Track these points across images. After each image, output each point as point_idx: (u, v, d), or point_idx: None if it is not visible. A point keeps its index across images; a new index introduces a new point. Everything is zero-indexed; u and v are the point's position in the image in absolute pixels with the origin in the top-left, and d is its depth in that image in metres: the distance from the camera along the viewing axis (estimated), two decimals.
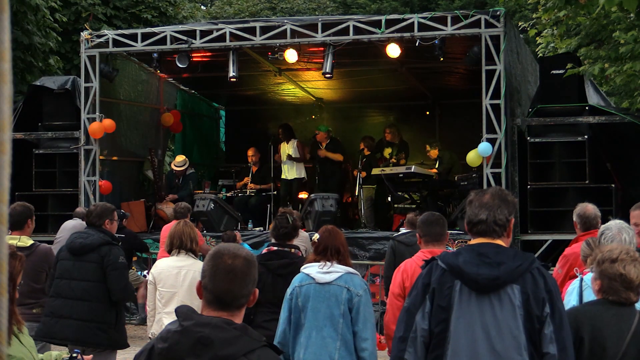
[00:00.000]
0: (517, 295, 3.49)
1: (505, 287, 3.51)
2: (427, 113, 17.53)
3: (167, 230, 9.16)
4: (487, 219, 3.60)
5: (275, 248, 6.28)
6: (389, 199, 14.94)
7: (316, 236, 5.52)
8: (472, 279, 3.52)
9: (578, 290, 4.76)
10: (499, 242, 3.63)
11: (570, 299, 4.76)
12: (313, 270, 5.20)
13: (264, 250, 6.33)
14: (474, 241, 3.67)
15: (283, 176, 15.19)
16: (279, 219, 6.41)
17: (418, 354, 3.58)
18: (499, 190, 3.74)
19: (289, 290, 5.24)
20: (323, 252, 5.26)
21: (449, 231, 6.02)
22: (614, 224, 4.98)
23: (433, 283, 3.60)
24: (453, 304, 3.54)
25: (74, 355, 4.24)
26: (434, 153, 14.75)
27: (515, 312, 3.49)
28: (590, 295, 4.69)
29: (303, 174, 15.19)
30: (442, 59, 12.68)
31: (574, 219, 6.38)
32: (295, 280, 5.26)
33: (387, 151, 15.22)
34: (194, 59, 13.85)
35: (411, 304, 3.65)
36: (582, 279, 4.81)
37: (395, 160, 14.87)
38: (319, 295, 5.12)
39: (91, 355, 4.63)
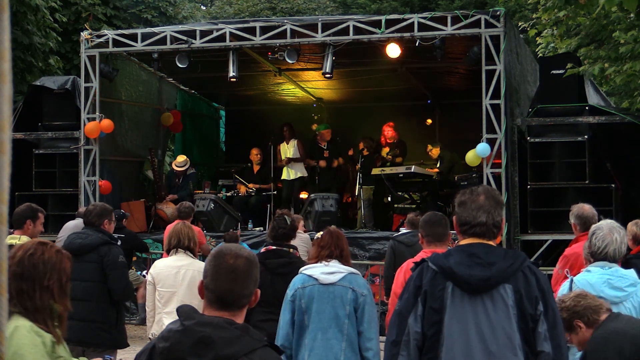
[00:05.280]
0: (509, 294, 3.48)
1: (497, 287, 3.49)
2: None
3: (169, 230, 9.15)
4: (487, 221, 3.59)
5: (273, 247, 6.27)
6: (388, 199, 14.96)
7: (320, 233, 5.52)
8: (464, 280, 3.50)
9: (568, 292, 4.76)
10: (491, 242, 3.62)
11: None
12: (317, 271, 5.18)
13: (262, 250, 6.32)
14: (464, 241, 3.65)
15: (284, 177, 15.17)
16: (277, 220, 6.40)
17: (411, 357, 3.56)
18: (491, 191, 3.73)
19: (289, 292, 5.20)
20: (327, 246, 5.27)
21: (451, 231, 6.00)
22: (605, 223, 4.97)
23: (425, 285, 3.58)
24: (446, 306, 3.52)
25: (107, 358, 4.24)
26: (435, 152, 14.80)
27: (508, 311, 3.47)
28: None
29: (304, 173, 15.21)
30: (440, 57, 12.68)
31: (572, 220, 6.37)
32: (297, 282, 5.22)
33: (385, 151, 15.24)
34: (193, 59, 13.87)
35: (403, 307, 3.62)
36: (572, 280, 4.81)
37: (391, 158, 14.90)
38: (323, 297, 5.11)
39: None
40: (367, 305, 5.11)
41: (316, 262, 5.31)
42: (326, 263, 5.22)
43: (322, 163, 15.11)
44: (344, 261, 5.30)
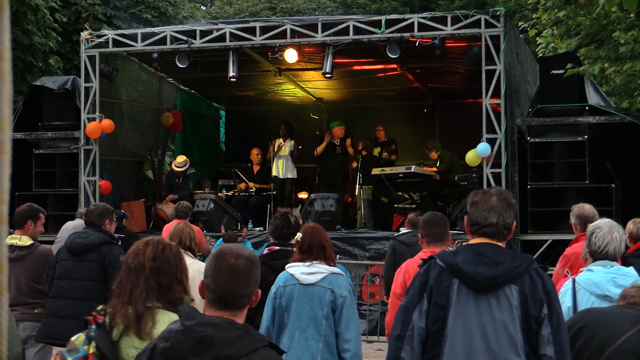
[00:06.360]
0: (515, 295, 3.49)
1: (503, 287, 3.50)
2: (425, 110, 17.54)
3: (168, 229, 9.15)
4: (498, 222, 3.60)
5: (277, 248, 6.23)
6: (386, 199, 14.96)
7: (299, 235, 5.48)
8: (471, 278, 3.52)
9: (572, 292, 4.75)
10: (500, 243, 3.64)
11: (564, 301, 4.74)
12: (297, 270, 5.17)
13: (265, 251, 6.27)
14: (473, 241, 3.66)
15: (274, 173, 15.05)
16: (279, 219, 6.29)
17: (415, 352, 3.57)
18: (504, 192, 3.74)
19: (272, 289, 5.20)
20: (308, 251, 5.24)
21: (450, 231, 6.00)
22: (604, 222, 4.97)
23: (431, 281, 3.59)
24: (451, 303, 3.54)
25: None
26: (434, 155, 14.80)
27: (512, 312, 3.48)
28: (584, 296, 4.70)
29: (295, 174, 15.13)
30: (440, 57, 12.70)
31: (572, 220, 6.37)
32: (280, 280, 5.21)
33: (377, 150, 15.25)
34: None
35: (408, 302, 3.64)
36: (574, 280, 4.81)
37: (387, 155, 14.90)
38: (302, 297, 5.10)
39: None
40: (345, 307, 5.06)
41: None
42: (308, 263, 5.20)
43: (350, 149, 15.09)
44: (328, 261, 5.24)
